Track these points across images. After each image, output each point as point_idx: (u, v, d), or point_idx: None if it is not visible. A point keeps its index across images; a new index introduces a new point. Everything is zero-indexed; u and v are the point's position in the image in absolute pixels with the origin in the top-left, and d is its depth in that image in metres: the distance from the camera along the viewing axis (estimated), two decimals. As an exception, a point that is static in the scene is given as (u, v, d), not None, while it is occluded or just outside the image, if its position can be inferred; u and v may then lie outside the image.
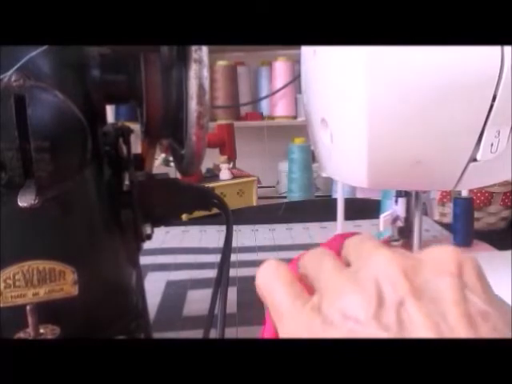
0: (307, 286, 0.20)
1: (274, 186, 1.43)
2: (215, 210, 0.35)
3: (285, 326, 0.19)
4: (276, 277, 0.20)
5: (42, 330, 0.25)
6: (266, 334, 0.24)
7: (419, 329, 0.16)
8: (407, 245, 0.46)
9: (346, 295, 0.17)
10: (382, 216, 0.45)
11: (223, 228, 0.34)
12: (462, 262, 0.18)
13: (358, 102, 0.30)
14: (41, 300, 0.25)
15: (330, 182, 1.30)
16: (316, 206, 0.97)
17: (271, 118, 1.58)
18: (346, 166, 0.36)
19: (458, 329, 0.15)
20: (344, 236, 0.24)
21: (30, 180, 0.24)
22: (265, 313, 0.23)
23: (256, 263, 0.63)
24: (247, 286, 0.54)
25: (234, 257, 0.33)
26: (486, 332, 0.16)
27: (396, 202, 0.44)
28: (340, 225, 0.61)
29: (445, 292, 0.16)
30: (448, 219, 0.73)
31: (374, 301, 0.16)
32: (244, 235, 0.75)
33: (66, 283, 0.26)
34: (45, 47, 0.24)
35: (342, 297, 0.17)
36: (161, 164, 0.81)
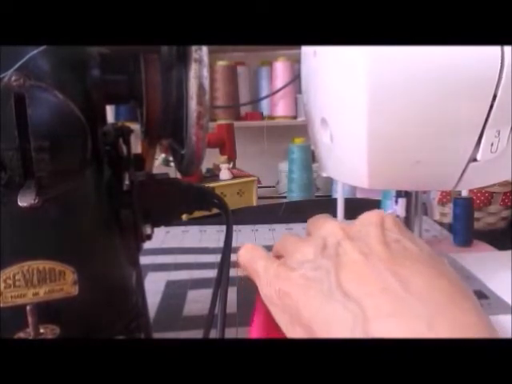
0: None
1: (274, 186, 1.43)
2: (215, 210, 0.35)
3: (261, 281, 0.24)
4: (254, 251, 0.26)
5: (42, 330, 0.25)
6: (255, 323, 0.27)
7: (350, 254, 0.22)
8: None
9: (302, 249, 0.24)
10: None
11: (223, 228, 0.34)
12: (382, 216, 0.25)
13: (358, 102, 0.30)
14: (41, 300, 0.25)
15: (330, 182, 1.30)
16: (316, 206, 0.97)
17: (271, 118, 1.57)
18: (346, 166, 0.36)
19: (376, 248, 0.21)
20: None
21: (29, 180, 0.24)
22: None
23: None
24: (247, 286, 0.54)
25: (234, 257, 0.33)
26: (397, 250, 0.21)
27: (396, 201, 0.44)
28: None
29: (370, 233, 0.23)
30: (448, 219, 0.73)
31: (320, 247, 0.23)
32: (244, 235, 0.75)
33: (65, 283, 0.26)
34: (44, 47, 0.24)
35: (299, 251, 0.24)
36: (161, 164, 0.81)
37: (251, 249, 0.27)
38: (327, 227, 0.25)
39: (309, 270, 0.22)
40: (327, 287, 0.20)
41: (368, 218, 0.25)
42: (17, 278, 0.25)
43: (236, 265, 0.27)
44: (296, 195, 1.10)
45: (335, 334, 0.18)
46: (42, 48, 0.24)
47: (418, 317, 0.17)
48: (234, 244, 0.34)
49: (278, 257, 0.26)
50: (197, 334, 0.44)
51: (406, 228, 0.25)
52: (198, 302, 0.52)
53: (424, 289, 0.19)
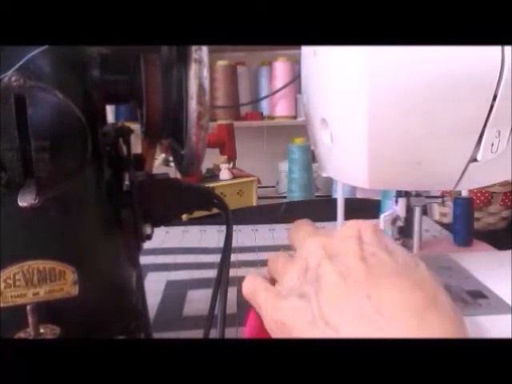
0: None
1: (273, 186, 1.43)
2: (215, 210, 0.35)
3: (263, 312, 0.25)
4: (255, 283, 0.27)
5: (42, 330, 0.25)
6: (249, 324, 0.29)
7: (329, 276, 0.22)
8: (407, 244, 0.46)
9: (289, 273, 0.25)
10: (382, 216, 0.45)
11: (223, 228, 0.34)
12: (360, 228, 0.25)
13: (358, 101, 0.30)
14: (41, 300, 0.25)
15: (330, 182, 1.30)
16: (316, 206, 0.97)
17: (271, 118, 1.58)
18: (346, 166, 0.35)
19: (354, 265, 0.22)
20: None
21: (29, 180, 0.24)
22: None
23: (256, 263, 0.64)
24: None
25: (234, 257, 0.33)
26: (374, 264, 0.22)
27: (396, 201, 0.44)
28: (340, 225, 0.61)
29: (348, 249, 0.24)
30: (448, 219, 0.73)
31: (302, 269, 0.24)
32: (244, 235, 0.75)
33: (65, 283, 0.26)
34: (45, 47, 0.24)
35: (287, 274, 0.25)
36: (161, 164, 0.81)
37: (252, 280, 0.27)
38: (308, 245, 0.25)
39: (296, 298, 0.23)
40: (311, 316, 0.21)
41: (346, 231, 0.25)
42: (17, 277, 0.25)
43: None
44: (296, 195, 1.10)
45: None
46: (42, 48, 0.24)
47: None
48: (234, 244, 0.34)
49: (272, 280, 0.27)
50: (197, 334, 0.44)
51: (383, 236, 0.25)
52: (198, 302, 0.52)
53: (397, 308, 0.20)
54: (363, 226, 0.25)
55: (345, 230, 0.26)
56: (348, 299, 0.21)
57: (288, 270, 0.25)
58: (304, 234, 0.27)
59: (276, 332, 0.23)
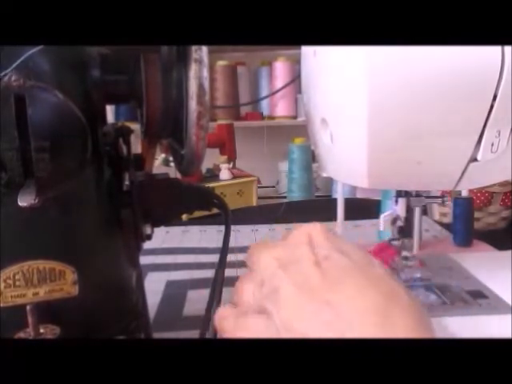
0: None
1: (273, 186, 1.43)
2: (215, 210, 0.35)
3: (227, 335, 0.24)
4: (221, 312, 0.25)
5: (42, 330, 0.25)
6: None
7: (285, 286, 0.22)
8: (407, 244, 0.46)
9: (245, 293, 0.24)
10: (382, 216, 0.45)
11: (223, 228, 0.34)
12: (310, 232, 0.25)
13: (358, 102, 0.30)
14: (41, 300, 0.25)
15: (330, 182, 1.30)
16: (316, 206, 0.97)
17: (271, 118, 1.57)
18: (346, 166, 0.36)
19: (309, 271, 0.22)
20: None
21: (29, 180, 0.24)
22: None
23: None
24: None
25: (233, 257, 0.33)
26: (329, 267, 0.22)
27: (396, 201, 0.44)
28: (340, 225, 0.61)
29: (301, 256, 0.23)
30: (448, 219, 0.73)
31: (258, 284, 0.24)
32: (244, 235, 0.75)
33: (65, 283, 0.26)
34: (42, 46, 0.24)
35: (243, 291, 0.25)
36: (161, 164, 0.81)
37: (221, 310, 0.26)
38: (262, 259, 0.25)
39: (256, 316, 0.22)
40: (275, 331, 0.21)
41: (297, 237, 0.25)
42: (17, 277, 0.25)
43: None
44: (296, 195, 1.10)
45: None
46: (41, 47, 0.24)
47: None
48: (233, 244, 0.34)
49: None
50: (197, 334, 0.44)
51: (335, 237, 0.25)
52: (197, 302, 0.52)
53: (357, 309, 0.20)
54: (313, 230, 0.25)
55: (295, 237, 0.25)
56: (308, 307, 0.21)
57: (244, 288, 0.25)
58: (258, 252, 0.26)
59: None
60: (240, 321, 0.23)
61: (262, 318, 0.22)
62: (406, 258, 0.44)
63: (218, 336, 0.26)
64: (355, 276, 0.22)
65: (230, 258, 0.34)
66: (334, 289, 0.21)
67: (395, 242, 0.45)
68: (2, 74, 0.23)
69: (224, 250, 0.34)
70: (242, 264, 0.61)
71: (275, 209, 0.90)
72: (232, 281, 0.34)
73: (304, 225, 0.26)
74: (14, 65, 0.23)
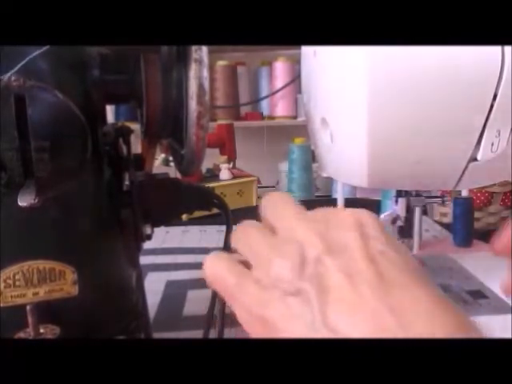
0: (246, 262, 0.23)
1: (273, 186, 1.43)
2: (215, 210, 0.35)
3: (237, 304, 0.21)
4: (218, 265, 0.23)
5: (42, 330, 0.25)
6: None
7: (333, 275, 0.19)
8: (407, 244, 0.46)
9: (276, 263, 0.21)
10: (382, 216, 0.45)
11: (223, 228, 0.34)
12: (361, 219, 0.22)
13: (358, 102, 0.30)
14: (41, 300, 0.25)
15: (330, 182, 1.29)
16: (316, 206, 0.97)
17: (271, 118, 1.58)
18: (346, 166, 0.36)
19: (362, 265, 0.19)
20: None
21: (29, 180, 0.24)
22: None
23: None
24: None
25: (234, 257, 0.33)
26: (384, 265, 0.19)
27: (396, 201, 0.44)
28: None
29: (350, 243, 0.20)
30: (448, 219, 0.73)
31: (297, 262, 0.20)
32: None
33: (65, 283, 0.26)
34: (46, 48, 0.24)
35: (273, 265, 0.21)
36: (161, 164, 0.81)
37: (217, 259, 0.23)
38: (302, 231, 0.21)
39: (289, 295, 0.19)
40: (311, 321, 0.18)
41: (345, 221, 0.22)
42: (17, 277, 0.25)
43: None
44: (296, 195, 1.10)
45: None
46: (43, 49, 0.24)
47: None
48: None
49: (243, 261, 0.23)
50: (197, 334, 0.44)
51: (384, 229, 0.22)
52: (198, 302, 0.52)
53: (421, 321, 0.17)
54: (364, 217, 0.22)
55: (343, 220, 0.22)
56: (360, 306, 0.18)
57: (271, 259, 0.21)
58: (289, 213, 0.23)
59: (257, 329, 0.20)
60: (263, 294, 0.20)
61: (296, 300, 0.19)
62: None
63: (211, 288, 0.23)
64: (411, 277, 0.19)
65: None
66: (393, 293, 0.18)
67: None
68: (3, 76, 0.23)
69: (226, 250, 0.34)
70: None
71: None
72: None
73: (348, 208, 0.23)
74: (16, 68, 0.23)
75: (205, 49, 0.26)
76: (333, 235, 0.21)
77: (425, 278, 0.20)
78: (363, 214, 0.22)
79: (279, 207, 0.24)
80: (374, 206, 0.70)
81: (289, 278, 0.20)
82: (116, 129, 0.30)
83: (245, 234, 0.24)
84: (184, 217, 0.81)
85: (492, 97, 0.29)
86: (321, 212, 0.23)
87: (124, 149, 0.30)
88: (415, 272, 0.20)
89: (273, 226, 0.23)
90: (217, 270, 0.23)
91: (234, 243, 0.24)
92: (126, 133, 0.31)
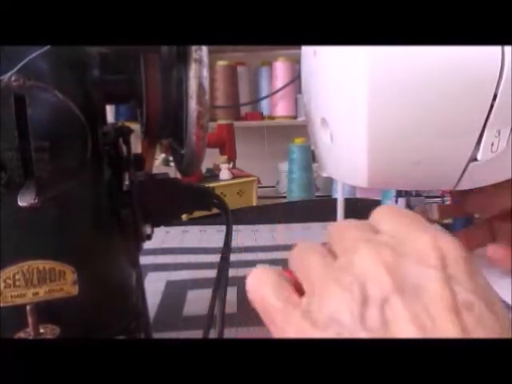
0: (298, 284, 0.20)
1: (273, 186, 1.43)
2: (215, 210, 0.35)
3: (278, 330, 0.19)
4: (264, 282, 0.20)
5: (42, 330, 0.25)
6: None
7: (403, 326, 0.15)
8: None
9: (332, 298, 0.17)
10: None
11: (223, 228, 0.34)
12: (444, 253, 0.17)
13: (358, 102, 0.30)
14: (41, 300, 0.25)
15: (330, 182, 1.30)
16: (316, 206, 0.97)
17: (271, 118, 1.58)
18: (346, 166, 0.36)
19: (442, 323, 0.15)
20: None
21: (29, 180, 0.24)
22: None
23: (256, 263, 0.64)
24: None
25: (234, 257, 0.33)
26: (470, 323, 0.15)
27: (396, 201, 0.44)
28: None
29: (428, 285, 0.16)
30: (448, 219, 0.73)
31: (358, 302, 0.16)
32: (244, 235, 0.75)
33: (65, 283, 0.26)
34: (46, 48, 0.24)
35: (329, 300, 0.17)
36: (161, 164, 0.81)
37: (263, 276, 0.20)
38: (364, 259, 0.17)
39: (343, 337, 0.16)
40: None
41: (423, 249, 0.17)
42: (17, 277, 0.25)
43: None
44: (296, 195, 1.10)
45: None
46: (43, 49, 0.24)
47: None
48: (233, 244, 0.34)
49: (294, 279, 0.20)
50: (197, 334, 0.44)
51: (472, 266, 0.18)
52: (197, 302, 0.52)
53: None
54: (448, 248, 0.17)
55: (421, 249, 0.17)
56: None
57: (329, 291, 0.17)
58: (354, 238, 0.19)
59: None
60: (308, 328, 0.17)
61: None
62: None
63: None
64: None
65: (231, 257, 0.34)
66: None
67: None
68: (3, 76, 0.23)
69: (227, 249, 0.34)
70: (242, 264, 0.61)
71: (275, 209, 0.90)
72: (232, 280, 0.34)
73: (428, 232, 0.18)
74: (16, 68, 0.23)
75: (205, 49, 0.26)
76: (406, 269, 0.17)
77: None
78: (448, 244, 0.18)
79: (342, 232, 0.21)
80: (374, 206, 0.70)
81: (347, 321, 0.16)
82: (116, 129, 0.30)
83: (303, 255, 0.20)
84: (184, 217, 0.81)
85: (492, 97, 0.29)
86: (393, 231, 0.19)
87: (124, 149, 0.30)
88: (504, 333, 0.16)
89: (336, 252, 0.20)
90: (261, 288, 0.20)
91: (290, 262, 0.21)
92: (126, 133, 0.31)
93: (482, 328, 0.16)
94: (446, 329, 0.15)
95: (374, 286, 0.17)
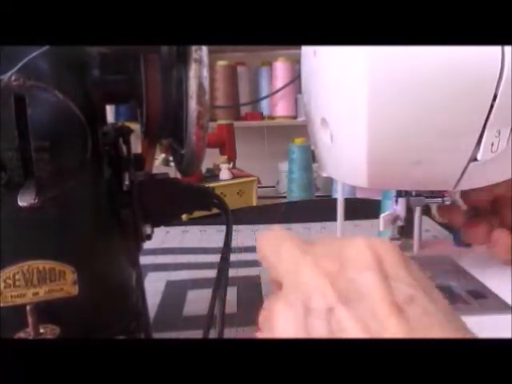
0: None
1: (273, 186, 1.43)
2: (215, 210, 0.35)
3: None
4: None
5: (42, 330, 0.25)
6: None
7: (351, 334, 0.16)
8: (407, 244, 0.46)
9: (280, 317, 0.18)
10: (381, 216, 0.45)
11: (223, 228, 0.34)
12: (379, 253, 0.18)
13: (358, 102, 0.30)
14: (41, 300, 0.25)
15: (330, 182, 1.30)
16: (316, 206, 0.97)
17: (271, 118, 1.58)
18: (346, 166, 0.36)
19: (387, 322, 0.16)
20: None
21: (29, 180, 0.24)
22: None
23: (256, 263, 0.63)
24: (247, 286, 0.54)
25: (234, 257, 0.33)
26: (415, 315, 0.16)
27: (396, 201, 0.44)
28: (340, 225, 0.61)
29: (369, 287, 0.17)
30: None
31: (301, 316, 0.17)
32: (244, 235, 0.75)
33: (65, 283, 0.26)
34: (46, 48, 0.24)
35: (277, 320, 0.18)
36: (161, 164, 0.81)
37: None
38: (306, 273, 0.18)
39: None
40: None
41: (359, 256, 0.18)
42: (17, 277, 0.25)
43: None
44: (296, 195, 1.10)
45: None
46: (43, 49, 0.24)
47: None
48: (233, 244, 0.34)
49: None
50: (197, 334, 0.44)
51: (407, 259, 0.18)
52: (197, 302, 0.52)
53: None
54: (381, 248, 0.18)
55: (356, 255, 0.18)
56: None
57: (279, 313, 0.18)
58: (292, 253, 0.20)
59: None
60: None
61: None
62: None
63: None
64: (449, 331, 0.16)
65: (231, 257, 0.34)
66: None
67: (396, 241, 0.45)
68: (3, 76, 0.23)
69: (226, 249, 0.34)
70: (242, 264, 0.62)
71: (275, 209, 0.90)
72: (232, 280, 0.34)
73: (361, 236, 0.19)
74: (16, 68, 0.23)
75: (205, 49, 0.26)
76: (347, 276, 0.17)
77: (455, 318, 0.17)
78: (382, 245, 0.18)
79: (279, 247, 0.21)
80: (374, 206, 0.70)
81: (293, 336, 0.17)
82: (116, 129, 0.30)
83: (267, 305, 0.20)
84: (184, 217, 0.81)
85: (492, 97, 0.29)
86: (329, 243, 0.20)
87: (124, 149, 0.30)
88: (447, 316, 0.17)
89: (277, 273, 0.20)
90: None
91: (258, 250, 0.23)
92: (126, 133, 0.31)
93: (426, 317, 0.16)
94: (391, 326, 0.16)
95: (317, 298, 0.17)
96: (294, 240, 0.21)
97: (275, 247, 0.21)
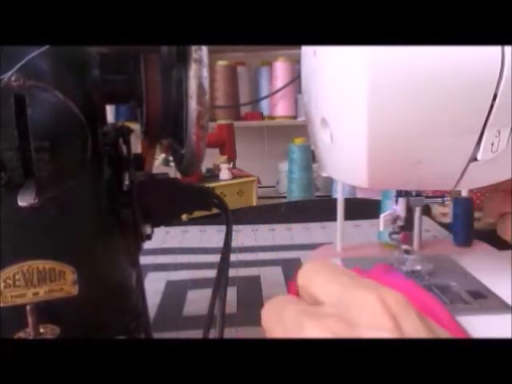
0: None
1: (273, 186, 1.43)
2: (215, 210, 0.35)
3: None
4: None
5: (42, 330, 0.25)
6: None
7: None
8: (408, 241, 0.46)
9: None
10: (382, 216, 0.45)
11: (223, 228, 0.34)
12: (394, 311, 0.17)
13: (358, 101, 0.30)
14: (41, 300, 0.25)
15: (330, 181, 1.30)
16: (316, 206, 0.97)
17: (271, 118, 1.58)
18: (346, 165, 0.35)
19: None
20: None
21: (29, 180, 0.24)
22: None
23: (256, 263, 0.64)
24: (247, 285, 0.54)
25: (234, 257, 0.33)
26: None
27: (396, 201, 0.44)
28: (340, 225, 0.61)
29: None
30: (448, 219, 0.73)
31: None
32: (244, 235, 0.75)
33: (65, 283, 0.26)
34: (45, 48, 0.24)
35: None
36: (161, 164, 0.81)
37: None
38: (314, 335, 0.17)
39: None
40: None
41: (374, 314, 0.17)
42: (17, 277, 0.25)
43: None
44: (296, 195, 1.10)
45: None
46: (43, 49, 0.24)
47: None
48: (233, 244, 0.34)
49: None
50: (197, 334, 0.44)
51: (419, 313, 0.18)
52: (198, 302, 0.52)
53: None
54: (394, 303, 0.17)
55: (369, 311, 0.17)
56: None
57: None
58: (293, 311, 0.19)
59: None
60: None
61: None
62: (407, 252, 0.44)
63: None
64: None
65: (231, 257, 0.34)
66: None
67: (395, 236, 0.45)
68: (3, 76, 0.23)
69: (226, 249, 0.34)
70: (242, 264, 0.62)
71: (275, 209, 0.90)
72: (232, 280, 0.34)
73: (369, 286, 0.18)
74: (16, 67, 0.23)
75: (205, 49, 0.26)
76: (359, 337, 0.17)
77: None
78: (394, 301, 0.17)
79: (280, 309, 0.20)
80: (374, 206, 0.70)
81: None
82: (116, 129, 0.30)
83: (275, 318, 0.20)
84: (184, 217, 0.81)
85: (492, 97, 0.29)
86: (334, 297, 0.18)
87: (124, 149, 0.30)
88: None
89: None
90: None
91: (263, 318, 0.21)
92: (126, 133, 0.31)
93: None
94: None
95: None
96: (300, 304, 0.20)
97: (278, 312, 0.20)
